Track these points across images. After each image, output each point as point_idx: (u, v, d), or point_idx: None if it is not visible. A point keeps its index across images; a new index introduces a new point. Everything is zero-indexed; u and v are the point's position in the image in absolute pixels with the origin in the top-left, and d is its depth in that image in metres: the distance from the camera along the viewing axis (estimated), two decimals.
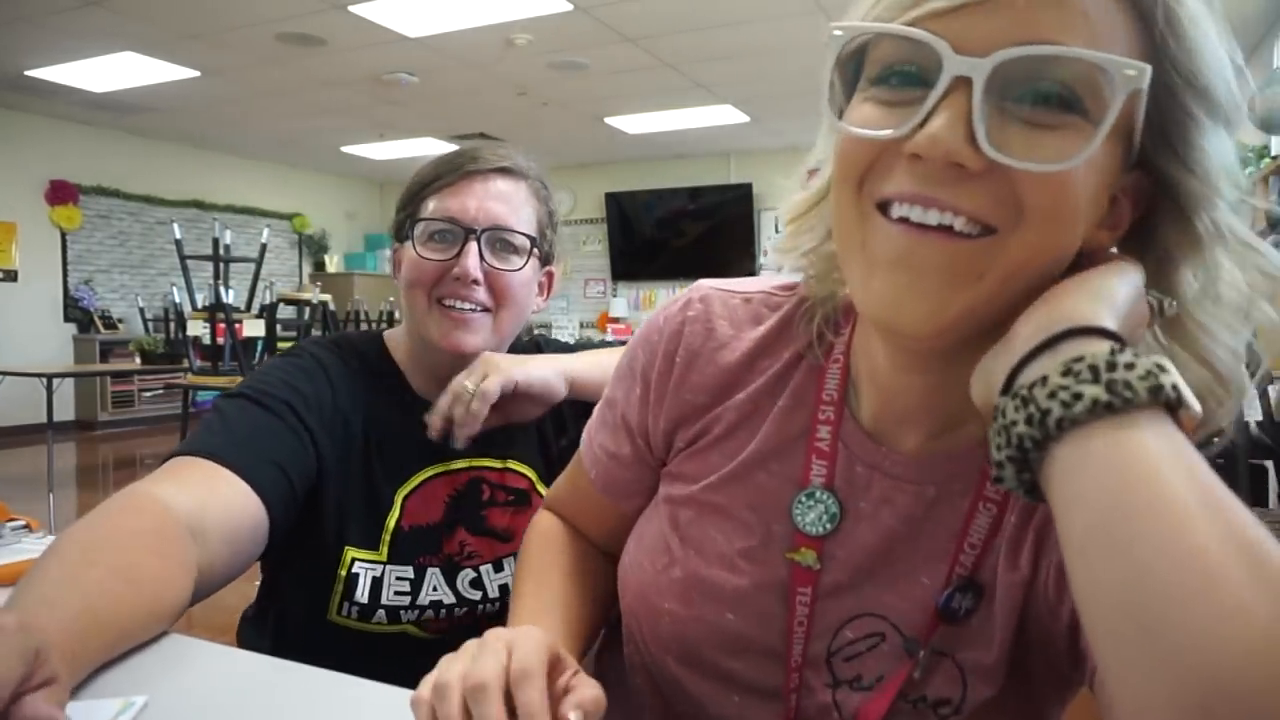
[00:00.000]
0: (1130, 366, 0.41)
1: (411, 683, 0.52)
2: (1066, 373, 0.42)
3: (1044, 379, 0.42)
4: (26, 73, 5.78)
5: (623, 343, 1.16)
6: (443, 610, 0.94)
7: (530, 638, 0.51)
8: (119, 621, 0.61)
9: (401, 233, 0.98)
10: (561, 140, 7.94)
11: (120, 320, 7.72)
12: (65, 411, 7.16)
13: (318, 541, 0.91)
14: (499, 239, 0.95)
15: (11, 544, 1.39)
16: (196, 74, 5.79)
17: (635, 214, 8.93)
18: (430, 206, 0.95)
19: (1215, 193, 0.49)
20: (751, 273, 8.50)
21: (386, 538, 0.93)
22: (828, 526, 0.60)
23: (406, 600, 0.93)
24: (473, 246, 0.93)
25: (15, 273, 7.07)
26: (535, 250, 0.98)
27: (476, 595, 0.96)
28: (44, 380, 4.84)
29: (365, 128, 7.36)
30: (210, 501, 0.75)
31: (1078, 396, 0.41)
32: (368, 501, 0.93)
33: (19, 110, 6.82)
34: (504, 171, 0.97)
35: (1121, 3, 0.45)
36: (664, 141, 7.98)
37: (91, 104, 6.58)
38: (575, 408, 1.07)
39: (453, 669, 0.49)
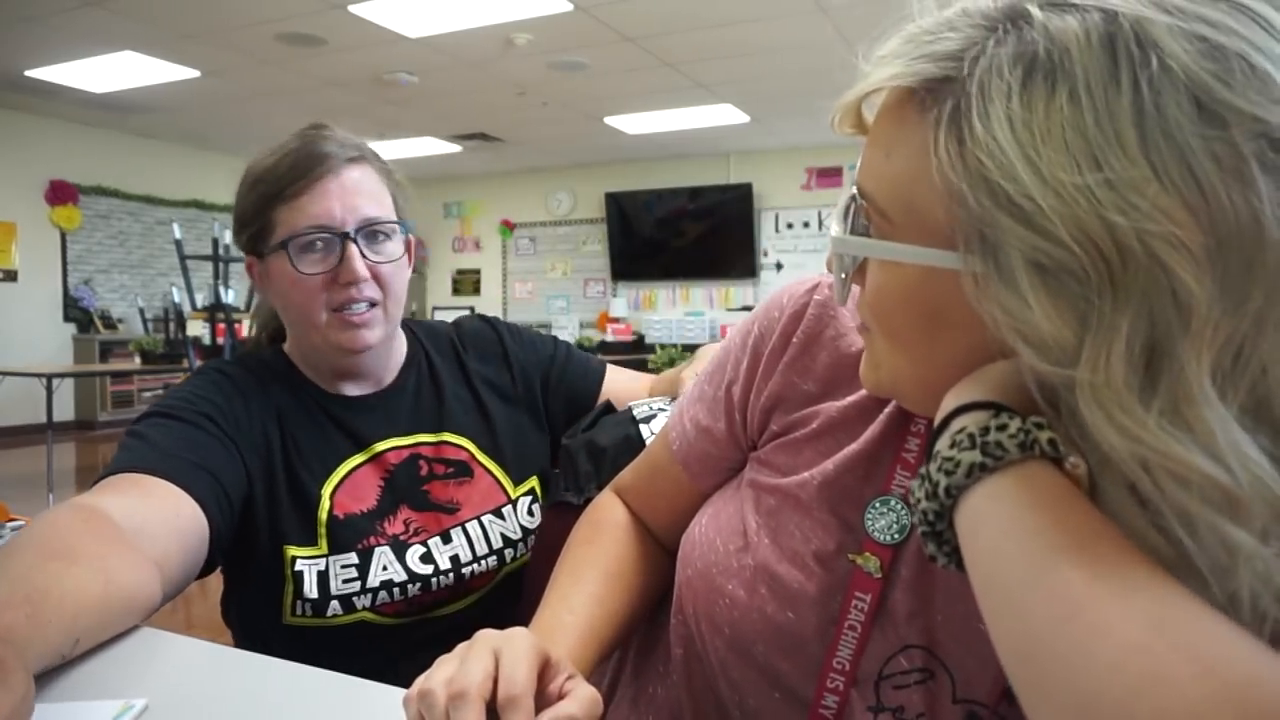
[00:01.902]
0: (1003, 428, 0.43)
1: (377, 673, 0.52)
2: (952, 445, 0.44)
3: (935, 454, 0.45)
4: (26, 73, 5.78)
5: (625, 342, 1.17)
6: (395, 589, 0.94)
7: (518, 646, 0.51)
8: (64, 592, 0.60)
9: (258, 246, 0.96)
10: (561, 140, 7.94)
11: (120, 320, 7.71)
12: (65, 411, 7.16)
13: (258, 548, 0.92)
14: (371, 233, 0.95)
15: None
16: (196, 74, 5.78)
17: (635, 214, 8.93)
18: (290, 217, 0.93)
19: None
20: (752, 273, 8.51)
21: (322, 530, 0.94)
22: (896, 537, 0.59)
23: (356, 586, 0.93)
24: (353, 248, 0.92)
25: (15, 273, 7.06)
26: (403, 230, 0.99)
27: (428, 569, 0.96)
28: (44, 380, 4.84)
29: (365, 128, 7.36)
30: (144, 504, 0.76)
31: (958, 464, 0.43)
32: (296, 500, 0.94)
33: (19, 110, 6.82)
34: (350, 161, 0.95)
35: None
36: (664, 141, 7.98)
37: (91, 104, 6.58)
38: (547, 397, 1.10)
39: (439, 674, 0.49)
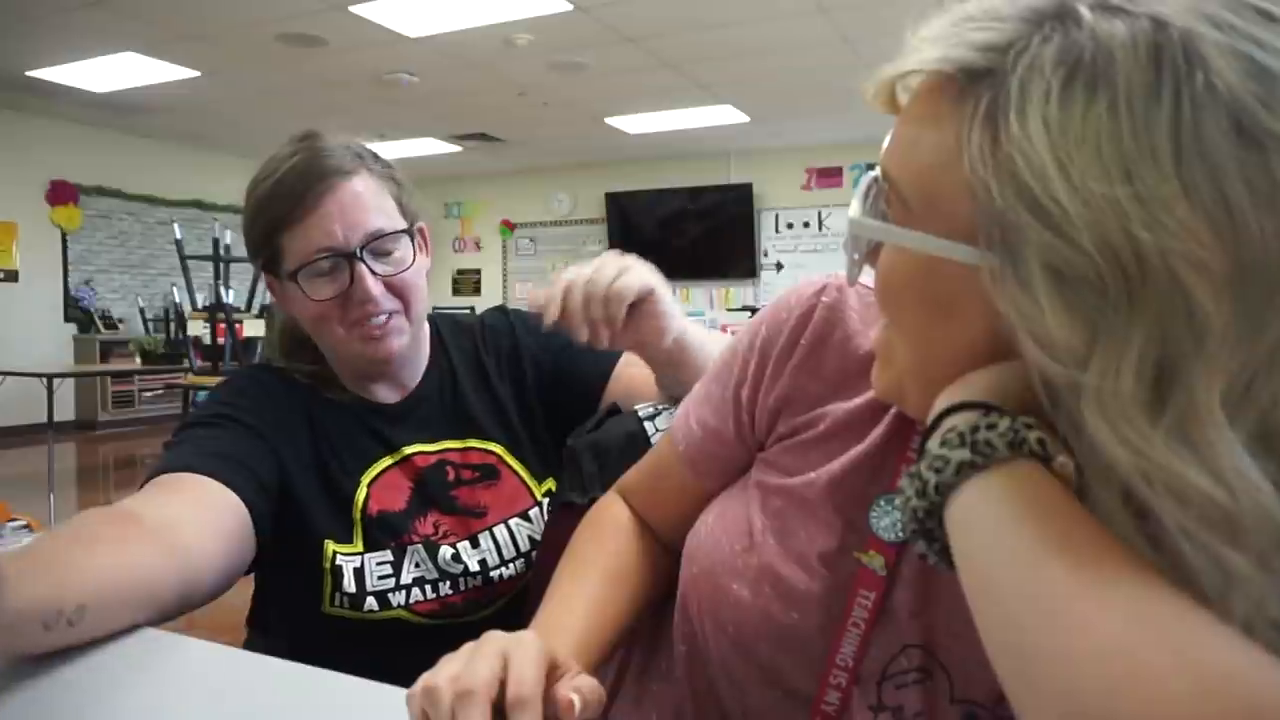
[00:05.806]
0: (993, 427, 0.43)
1: (411, 674, 0.53)
2: (942, 443, 0.45)
3: (926, 453, 0.46)
4: (27, 73, 5.78)
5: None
6: (428, 586, 0.96)
7: (527, 649, 0.51)
8: (72, 561, 0.63)
9: (273, 269, 0.95)
10: (561, 140, 7.94)
11: (120, 320, 7.72)
12: (66, 411, 7.16)
13: (299, 539, 0.93)
14: (380, 247, 0.93)
15: (12, 544, 1.40)
16: (196, 74, 5.78)
17: (635, 214, 8.93)
18: (295, 244, 0.91)
19: None
20: (752, 273, 8.51)
21: (358, 529, 0.96)
22: (899, 535, 0.59)
23: (391, 583, 0.95)
24: (361, 268, 0.91)
25: (15, 273, 7.06)
26: (411, 234, 0.96)
27: (458, 569, 0.98)
28: (44, 380, 4.85)
29: (365, 128, 7.36)
30: (172, 498, 0.78)
31: (948, 461, 0.44)
32: (332, 496, 0.96)
33: (19, 110, 6.82)
34: (346, 175, 0.92)
35: None
36: (664, 141, 7.98)
37: (92, 104, 6.58)
38: (556, 395, 1.08)
39: (444, 671, 0.49)
